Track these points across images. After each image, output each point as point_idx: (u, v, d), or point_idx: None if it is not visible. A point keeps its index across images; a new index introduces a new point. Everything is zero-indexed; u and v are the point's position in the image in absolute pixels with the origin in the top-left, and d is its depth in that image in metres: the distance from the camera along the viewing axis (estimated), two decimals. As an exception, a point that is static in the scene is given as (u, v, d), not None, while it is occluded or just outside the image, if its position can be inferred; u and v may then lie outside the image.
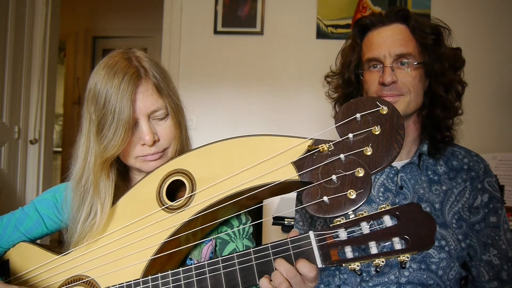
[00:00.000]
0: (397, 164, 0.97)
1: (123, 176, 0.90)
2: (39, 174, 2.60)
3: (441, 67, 0.91)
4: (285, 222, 1.64)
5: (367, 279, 0.92)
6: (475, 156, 0.97)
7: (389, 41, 0.91)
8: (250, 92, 2.59)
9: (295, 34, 2.54)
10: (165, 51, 2.64)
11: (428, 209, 0.92)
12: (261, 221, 1.14)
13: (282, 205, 1.97)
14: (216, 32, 2.58)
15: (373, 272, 0.91)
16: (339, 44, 1.06)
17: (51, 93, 2.69)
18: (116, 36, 4.29)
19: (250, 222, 0.89)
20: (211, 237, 0.85)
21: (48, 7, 2.56)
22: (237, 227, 0.86)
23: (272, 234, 2.21)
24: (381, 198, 0.95)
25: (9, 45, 2.31)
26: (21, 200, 2.48)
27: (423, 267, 0.89)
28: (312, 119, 2.46)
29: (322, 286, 0.98)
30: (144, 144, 0.79)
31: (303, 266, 0.60)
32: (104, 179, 0.80)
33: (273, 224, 1.68)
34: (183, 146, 0.85)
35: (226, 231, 0.85)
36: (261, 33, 2.55)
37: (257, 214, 1.10)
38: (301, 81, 2.52)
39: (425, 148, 0.96)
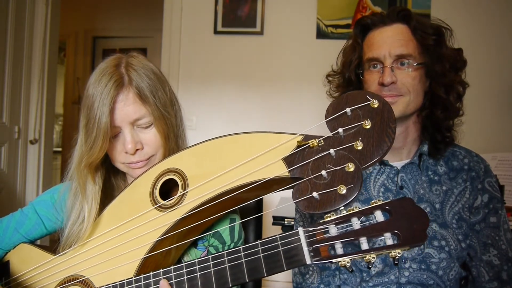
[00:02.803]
0: (397, 164, 0.97)
1: (121, 176, 0.90)
2: (39, 174, 2.60)
3: (442, 68, 0.91)
4: (285, 222, 1.64)
5: (367, 279, 0.92)
6: (476, 156, 0.97)
7: (389, 41, 0.91)
8: (250, 92, 2.59)
9: (295, 34, 2.54)
10: (165, 51, 2.64)
11: (428, 209, 0.92)
12: (261, 222, 1.13)
13: (282, 204, 1.97)
14: (216, 32, 2.58)
15: (373, 272, 0.91)
16: (339, 44, 1.06)
17: (51, 93, 2.69)
18: (116, 36, 4.30)
19: (243, 240, 0.88)
20: (206, 246, 0.85)
21: (48, 7, 2.56)
22: (228, 245, 0.85)
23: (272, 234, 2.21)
24: (381, 198, 0.95)
25: (9, 45, 2.31)
26: (21, 200, 2.48)
27: (423, 267, 0.89)
28: (312, 119, 2.46)
29: (322, 286, 0.98)
30: (127, 152, 0.79)
31: None
32: (91, 182, 0.80)
33: (273, 224, 1.68)
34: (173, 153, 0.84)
35: (217, 245, 0.85)
36: (261, 33, 2.56)
37: (257, 213, 1.10)
38: (301, 81, 2.52)
39: (425, 148, 0.95)
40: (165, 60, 2.63)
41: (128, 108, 0.77)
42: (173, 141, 0.84)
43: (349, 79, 0.99)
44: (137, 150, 0.79)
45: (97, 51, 4.42)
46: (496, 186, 0.95)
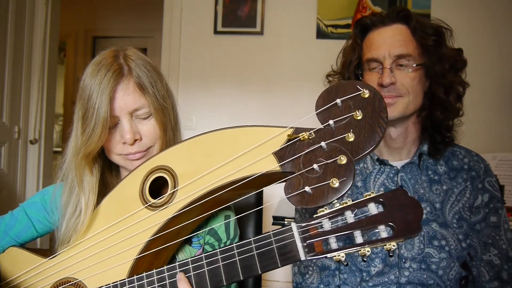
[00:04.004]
0: (397, 164, 0.96)
1: (115, 172, 0.90)
2: (39, 174, 2.59)
3: (441, 68, 0.90)
4: (285, 222, 1.64)
5: (367, 279, 0.91)
6: (476, 156, 0.97)
7: (389, 41, 0.90)
8: (250, 92, 2.58)
9: (295, 34, 2.54)
10: (165, 51, 2.64)
11: (428, 209, 0.92)
12: (261, 223, 1.13)
13: (282, 205, 1.97)
14: (216, 32, 2.58)
15: (373, 272, 0.91)
16: (339, 44, 1.06)
17: (51, 93, 2.69)
18: (116, 36, 4.29)
19: (238, 237, 0.87)
20: (201, 243, 0.84)
21: (48, 7, 2.56)
22: (224, 242, 0.84)
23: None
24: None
25: (9, 45, 2.31)
26: (21, 200, 2.48)
27: (423, 267, 0.89)
28: (312, 119, 2.46)
29: (322, 286, 0.98)
30: (125, 142, 0.79)
31: None
32: (88, 174, 0.80)
33: (273, 224, 1.68)
34: (169, 146, 0.84)
35: (213, 243, 0.84)
36: (261, 33, 2.55)
37: (257, 212, 1.10)
38: (301, 81, 2.52)
39: (425, 148, 0.95)
40: (165, 60, 2.63)
41: (128, 97, 0.77)
42: (171, 133, 0.84)
43: (348, 79, 0.99)
44: (135, 140, 0.79)
45: (97, 51, 4.38)
46: (496, 186, 0.95)
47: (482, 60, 2.32)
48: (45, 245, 2.45)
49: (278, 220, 1.66)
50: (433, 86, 0.92)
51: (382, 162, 0.97)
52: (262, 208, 1.11)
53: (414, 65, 0.89)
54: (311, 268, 0.99)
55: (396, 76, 0.89)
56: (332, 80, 1.06)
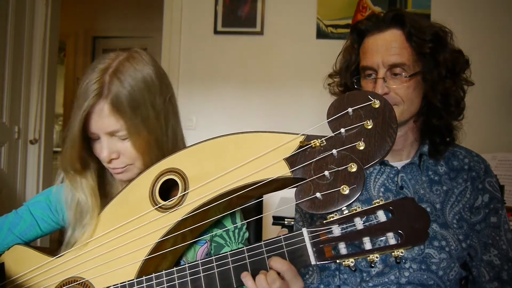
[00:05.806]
0: (398, 164, 0.96)
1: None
2: (39, 174, 2.59)
3: (438, 75, 0.89)
4: (285, 222, 1.64)
5: (367, 279, 0.91)
6: (476, 156, 0.97)
7: (382, 49, 0.89)
8: (250, 92, 2.58)
9: (295, 34, 2.54)
10: (165, 51, 2.64)
11: (428, 209, 0.92)
12: (261, 222, 1.13)
13: (282, 205, 1.97)
14: (216, 32, 2.58)
15: (373, 273, 0.91)
16: (339, 44, 1.05)
17: (51, 93, 2.69)
18: (116, 36, 4.29)
19: (246, 226, 0.88)
20: (206, 239, 0.85)
21: (48, 7, 2.56)
22: (232, 230, 0.85)
23: (272, 235, 2.20)
24: (382, 199, 0.94)
25: (9, 45, 2.30)
26: (21, 200, 2.48)
27: (423, 267, 0.89)
28: (312, 119, 2.46)
29: (322, 286, 0.98)
30: None
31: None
32: (83, 177, 0.81)
33: (273, 224, 1.68)
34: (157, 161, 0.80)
35: (221, 234, 0.85)
36: (261, 33, 2.55)
37: (257, 212, 1.10)
38: (301, 81, 2.52)
39: (425, 148, 0.95)
40: (165, 60, 2.63)
41: (103, 120, 0.75)
42: (155, 153, 0.79)
43: (345, 84, 0.99)
44: (112, 159, 0.78)
45: (97, 51, 4.41)
46: (497, 186, 0.95)
47: (482, 60, 2.31)
48: (45, 244, 2.46)
49: (278, 220, 1.67)
50: (429, 93, 0.90)
51: (383, 163, 0.97)
52: (262, 208, 1.11)
53: (408, 76, 0.88)
54: (311, 268, 0.99)
55: (390, 85, 0.88)
56: (333, 82, 1.05)
